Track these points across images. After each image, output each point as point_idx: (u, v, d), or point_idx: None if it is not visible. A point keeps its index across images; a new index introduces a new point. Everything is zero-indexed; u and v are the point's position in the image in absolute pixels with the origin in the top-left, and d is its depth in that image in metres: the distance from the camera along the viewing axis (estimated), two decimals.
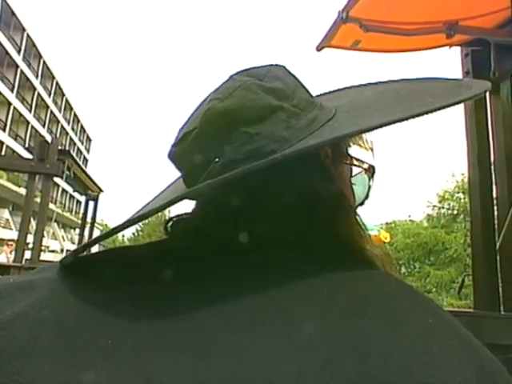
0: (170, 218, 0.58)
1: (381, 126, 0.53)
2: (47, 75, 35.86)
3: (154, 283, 0.48)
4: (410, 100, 0.55)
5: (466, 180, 19.62)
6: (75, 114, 43.43)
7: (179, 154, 0.56)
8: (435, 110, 0.49)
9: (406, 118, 0.49)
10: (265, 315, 0.42)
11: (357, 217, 0.59)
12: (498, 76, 2.11)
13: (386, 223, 22.98)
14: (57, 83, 38.09)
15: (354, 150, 0.62)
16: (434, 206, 21.32)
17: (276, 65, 0.60)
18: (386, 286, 0.46)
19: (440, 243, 19.55)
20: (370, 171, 0.64)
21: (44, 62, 34.74)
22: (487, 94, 2.25)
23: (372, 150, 0.64)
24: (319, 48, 1.99)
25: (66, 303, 0.47)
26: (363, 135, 0.62)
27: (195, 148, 0.54)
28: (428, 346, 0.39)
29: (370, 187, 0.64)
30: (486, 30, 1.96)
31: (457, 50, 2.30)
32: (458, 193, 20.83)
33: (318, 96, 0.67)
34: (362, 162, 0.63)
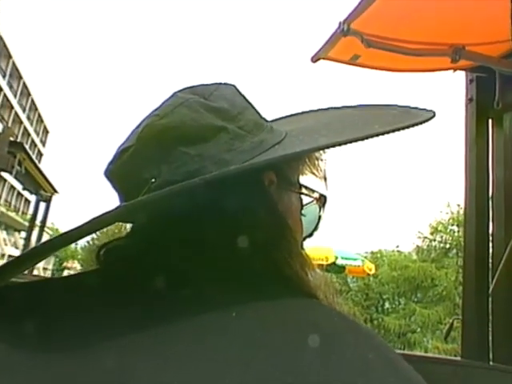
0: (103, 245, 0.60)
1: (315, 150, 0.61)
2: (3, 53, 35.33)
3: (86, 318, 0.49)
4: (357, 126, 0.60)
5: (461, 212, 19.89)
6: (33, 101, 42.76)
7: (115, 172, 0.58)
8: (374, 136, 0.54)
9: (343, 143, 0.54)
10: (196, 354, 0.43)
11: (301, 248, 0.62)
12: (502, 107, 2.20)
13: (372, 252, 23.12)
14: (13, 64, 37.51)
15: (309, 179, 0.66)
16: (425, 238, 21.51)
17: (225, 83, 0.63)
18: (327, 321, 0.48)
19: (429, 279, 19.71)
20: (321, 201, 0.67)
21: (0, 38, 34.23)
22: (490, 125, 2.34)
23: (325, 179, 0.67)
24: (314, 59, 2.04)
25: None
26: (317, 163, 0.66)
27: (131, 167, 0.56)
28: (365, 381, 0.42)
29: (319, 218, 0.67)
30: (492, 59, 2.05)
31: (461, 74, 2.39)
32: (453, 225, 21.06)
33: (276, 119, 0.72)
34: (313, 190, 0.66)
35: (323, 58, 2.04)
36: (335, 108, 0.70)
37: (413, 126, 0.56)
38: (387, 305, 21.37)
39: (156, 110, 0.58)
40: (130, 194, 0.55)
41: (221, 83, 0.62)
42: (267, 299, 0.49)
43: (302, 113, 0.75)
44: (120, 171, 0.57)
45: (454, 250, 20.79)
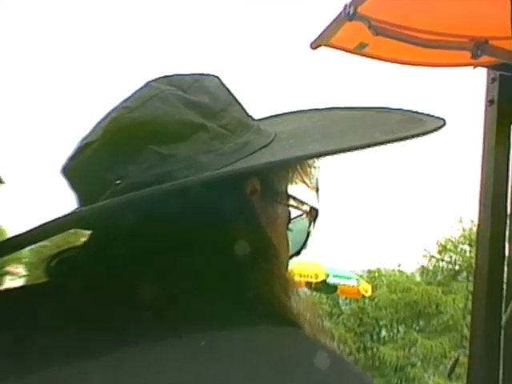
0: (56, 254, 0.60)
1: (306, 158, 0.62)
2: None
3: (35, 335, 0.50)
4: (356, 132, 0.63)
5: (475, 229, 19.91)
6: None
7: (75, 169, 0.58)
8: (375, 145, 0.56)
9: (339, 151, 0.55)
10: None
11: (285, 267, 0.63)
12: None
13: (369, 271, 23.12)
14: None
15: (299, 189, 0.67)
16: (432, 257, 21.48)
17: (207, 74, 0.63)
18: (308, 357, 0.49)
19: (434, 305, 19.77)
20: (312, 215, 0.68)
21: None
22: None
23: (317, 189, 0.68)
24: (314, 45, 2.06)
25: None
26: (309, 171, 0.67)
27: (94, 165, 0.56)
28: None
29: (308, 234, 0.69)
30: None
31: (482, 72, 2.42)
32: (464, 244, 21.11)
33: (265, 118, 0.74)
34: (302, 202, 0.67)
35: (324, 45, 2.06)
36: (332, 109, 0.72)
37: (419, 135, 0.58)
38: (384, 332, 21.37)
39: (126, 101, 0.59)
40: (90, 196, 0.55)
41: (202, 74, 0.63)
42: (242, 328, 0.50)
43: (294, 112, 0.76)
44: (80, 169, 0.58)
45: (465, 273, 20.82)
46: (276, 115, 0.76)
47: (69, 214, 0.55)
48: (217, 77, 0.64)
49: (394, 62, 2.25)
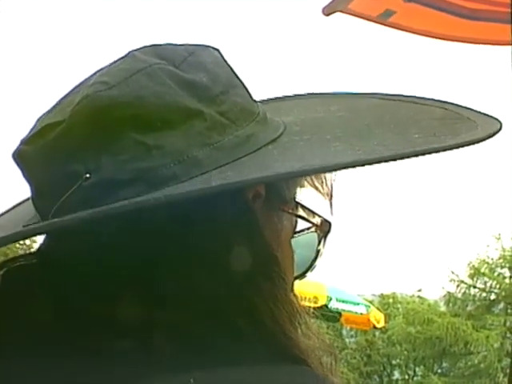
0: (3, 263, 0.62)
1: (333, 169, 0.62)
2: None
3: None
4: (388, 131, 0.63)
5: None
6: None
7: (31, 155, 0.58)
8: (417, 155, 0.56)
9: (370, 162, 0.55)
10: None
11: (290, 291, 0.62)
12: None
13: (381, 296, 22.94)
14: None
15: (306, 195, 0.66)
16: (461, 282, 21.22)
17: (205, 46, 0.63)
18: None
19: (461, 342, 19.64)
20: (323, 229, 0.68)
21: None
22: None
23: (331, 196, 0.69)
24: (328, 11, 2.06)
25: None
26: (322, 174, 0.67)
27: (57, 152, 0.56)
28: None
29: (318, 253, 0.69)
30: None
31: None
32: (503, 267, 20.94)
33: (270, 100, 0.75)
34: (313, 213, 0.67)
35: (340, 11, 2.06)
36: (354, 95, 0.74)
37: (470, 144, 0.57)
38: (397, 374, 21.27)
39: (103, 73, 0.59)
40: (49, 190, 0.56)
41: (198, 45, 0.63)
42: (236, 366, 0.52)
43: (306, 96, 0.77)
44: (39, 155, 0.57)
45: (502, 304, 20.73)
46: (284, 98, 0.77)
47: (43, 224, 0.56)
48: (216, 49, 0.64)
49: (424, 35, 2.25)
